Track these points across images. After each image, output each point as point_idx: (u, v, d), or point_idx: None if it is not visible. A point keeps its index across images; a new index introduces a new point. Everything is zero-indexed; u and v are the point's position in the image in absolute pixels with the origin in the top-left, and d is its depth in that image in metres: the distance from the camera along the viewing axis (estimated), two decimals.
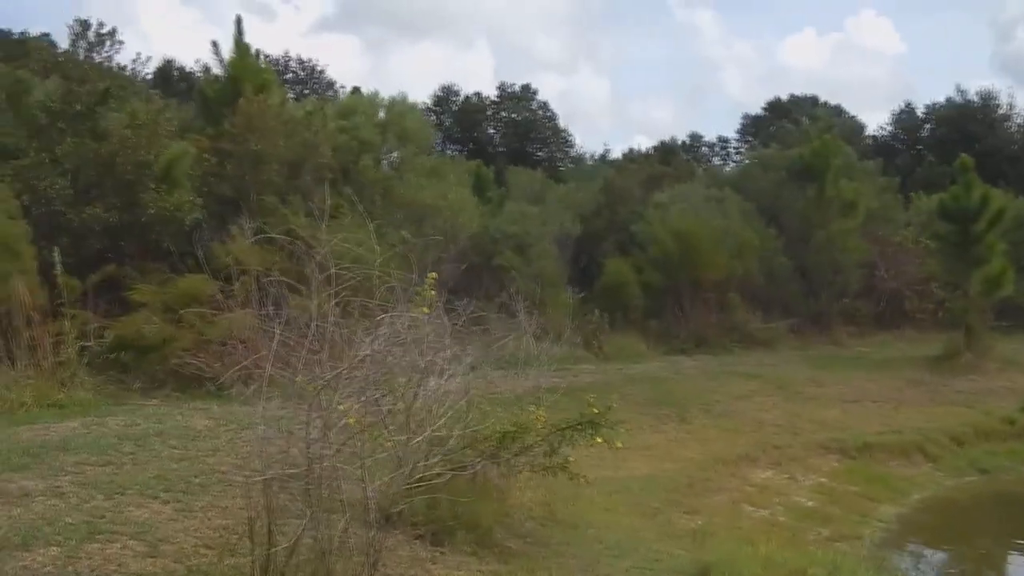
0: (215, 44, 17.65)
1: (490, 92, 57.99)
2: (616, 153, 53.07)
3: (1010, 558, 11.89)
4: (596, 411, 7.93)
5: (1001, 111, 52.71)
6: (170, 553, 6.39)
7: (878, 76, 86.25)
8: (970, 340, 21.91)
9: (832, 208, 25.61)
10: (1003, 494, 14.68)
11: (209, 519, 7.19)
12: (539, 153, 53.38)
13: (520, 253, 21.53)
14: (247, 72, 17.23)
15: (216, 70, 18.36)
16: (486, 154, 43.71)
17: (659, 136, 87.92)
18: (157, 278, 14.07)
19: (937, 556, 11.55)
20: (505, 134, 55.13)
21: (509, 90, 56.68)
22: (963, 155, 23.51)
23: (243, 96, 16.39)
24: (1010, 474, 15.66)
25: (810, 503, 12.85)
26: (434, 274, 6.11)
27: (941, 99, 55.42)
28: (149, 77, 32.87)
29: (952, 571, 11.13)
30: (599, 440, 8.08)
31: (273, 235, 8.17)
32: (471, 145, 51.63)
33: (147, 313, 13.24)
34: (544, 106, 56.13)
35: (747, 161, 42.04)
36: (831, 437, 15.59)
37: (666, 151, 41.51)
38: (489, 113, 56.30)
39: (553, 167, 47.54)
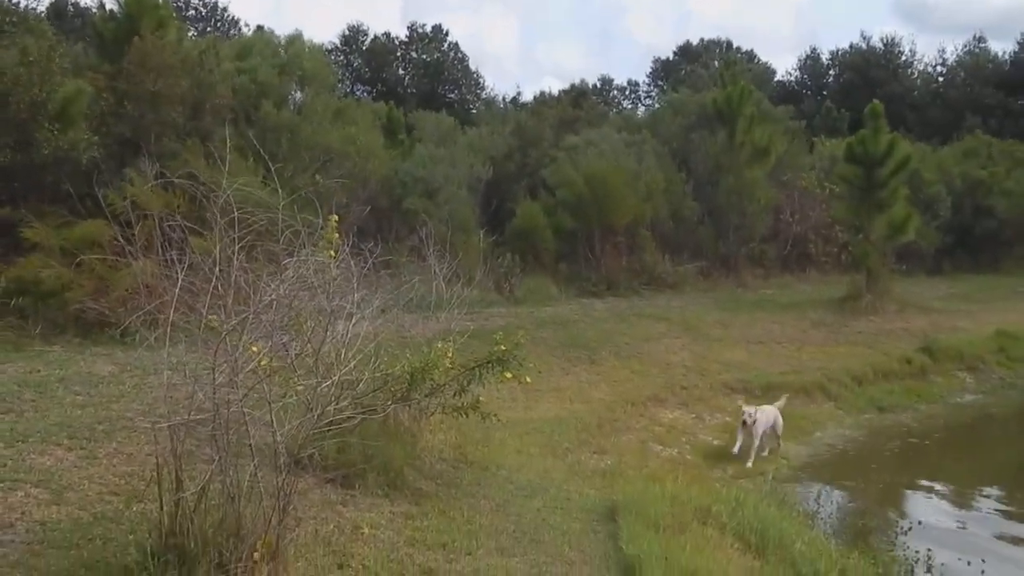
0: None
1: (399, 32, 57.26)
2: (527, 96, 52.99)
3: (906, 493, 12.40)
4: (504, 348, 8.02)
5: (904, 58, 53.95)
6: (75, 500, 6.33)
7: (785, 21, 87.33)
8: (871, 283, 22.54)
9: (743, 153, 25.95)
10: (900, 431, 15.25)
11: (114, 466, 7.13)
12: (450, 95, 53.05)
13: (430, 197, 21.42)
14: (143, 8, 16.69)
15: (111, 6, 17.77)
16: (396, 96, 43.24)
17: (569, 79, 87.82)
18: (55, 220, 13.68)
19: (837, 491, 11.99)
20: (415, 76, 54.57)
21: (419, 30, 55.98)
22: (874, 101, 23.95)
23: (139, 34, 15.90)
24: (907, 412, 16.29)
25: (716, 442, 13.22)
26: (336, 216, 6.07)
27: (846, 45, 56.54)
28: (42, 13, 31.65)
29: (851, 505, 11.56)
30: (508, 376, 8.19)
31: (174, 179, 8.00)
32: (380, 87, 50.99)
33: (44, 257, 12.88)
34: (455, 47, 55.77)
35: (658, 105, 42.32)
36: (736, 377, 16.01)
37: (577, 94, 41.50)
38: (399, 54, 55.62)
39: (465, 110, 47.32)
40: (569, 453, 10.96)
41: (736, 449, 12.41)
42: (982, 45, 53.89)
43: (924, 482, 12.62)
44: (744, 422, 12.26)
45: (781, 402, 13.57)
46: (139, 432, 7.72)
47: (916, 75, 54.03)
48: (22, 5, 24.23)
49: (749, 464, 12.26)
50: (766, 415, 12.71)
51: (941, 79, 53.29)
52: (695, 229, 25.78)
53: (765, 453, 12.88)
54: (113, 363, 10.63)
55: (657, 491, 8.85)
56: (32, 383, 9.34)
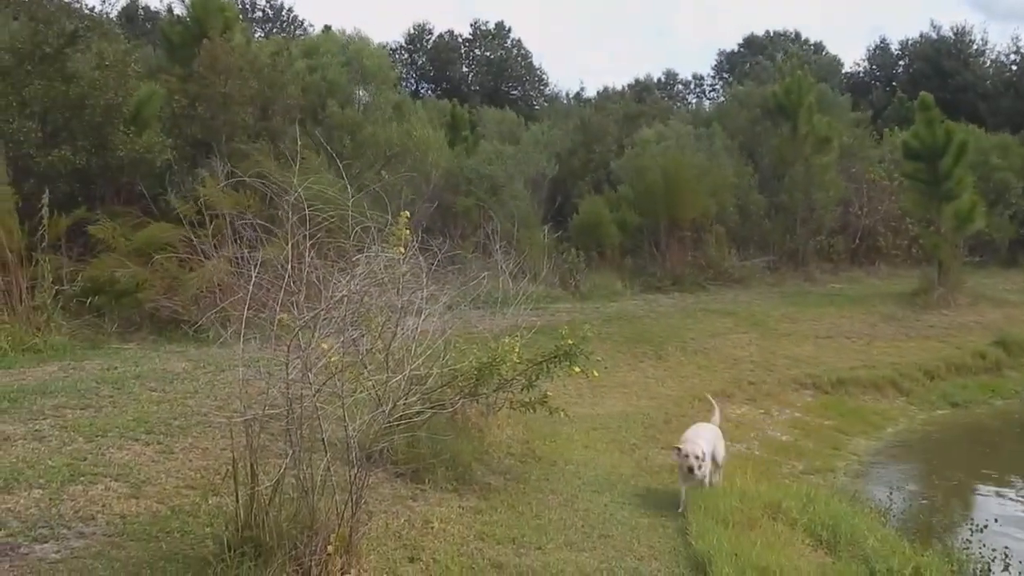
0: None
1: (463, 30, 57.48)
2: (591, 92, 52.85)
3: (979, 488, 12.13)
4: (570, 343, 8.01)
5: (975, 47, 52.71)
6: (153, 494, 6.46)
7: (854, 12, 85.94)
8: (942, 275, 22.08)
9: (806, 144, 25.61)
10: (974, 427, 14.91)
11: (190, 460, 7.26)
12: (514, 92, 53.13)
13: (495, 193, 21.49)
14: (209, 12, 17.00)
15: (179, 10, 18.13)
16: (460, 93, 43.42)
17: (633, 74, 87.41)
18: (129, 221, 14.01)
19: (909, 487, 11.77)
20: (479, 73, 54.73)
21: (482, 27, 56.14)
22: (923, 93, 23.45)
23: (207, 37, 16.20)
24: (981, 407, 15.92)
25: (784, 437, 13.05)
26: (407, 213, 6.11)
27: (915, 35, 55.44)
28: (115, 18, 32.33)
29: (923, 501, 11.34)
30: (576, 370, 8.17)
31: (245, 178, 8.12)
32: (445, 84, 51.24)
33: (118, 257, 13.19)
34: (518, 44, 55.83)
35: (723, 99, 41.92)
36: (805, 372, 15.78)
37: (641, 89, 41.35)
38: (462, 52, 55.85)
39: (528, 106, 47.38)
40: (636, 449, 10.90)
41: (681, 505, 8.22)
42: None
43: (999, 478, 12.33)
44: (682, 453, 8.26)
45: (716, 417, 9.79)
46: (214, 427, 7.86)
47: (988, 64, 52.71)
48: (96, 10, 24.88)
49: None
50: (705, 438, 8.70)
51: (1015, 67, 51.93)
52: (762, 223, 25.48)
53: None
54: (187, 360, 10.82)
55: (726, 486, 8.77)
56: (109, 379, 9.55)
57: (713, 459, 8.71)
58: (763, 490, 8.86)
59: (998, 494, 11.75)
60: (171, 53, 17.66)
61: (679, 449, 8.30)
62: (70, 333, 11.98)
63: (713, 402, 10.43)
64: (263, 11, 50.65)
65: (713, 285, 22.87)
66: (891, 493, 10.97)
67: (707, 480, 8.53)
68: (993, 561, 8.67)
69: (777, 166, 26.14)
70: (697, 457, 8.13)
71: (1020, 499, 11.50)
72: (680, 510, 8.10)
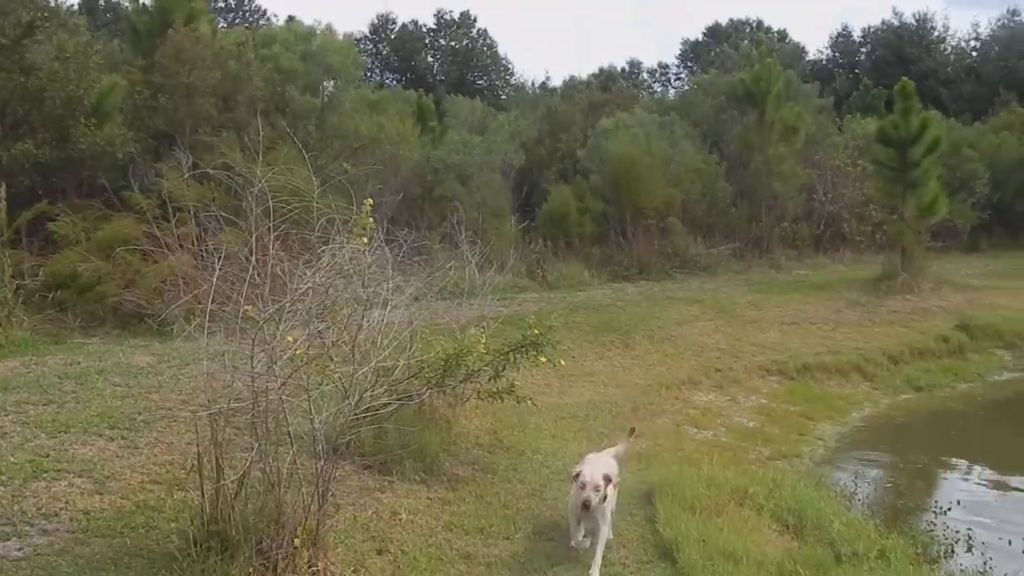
0: None
1: (428, 20, 57.28)
2: (556, 81, 52.85)
3: (943, 472, 12.29)
4: (537, 332, 8.02)
5: (936, 33, 53.20)
6: (117, 490, 6.42)
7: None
8: (906, 261, 22.25)
9: (773, 132, 25.76)
10: (937, 410, 15.07)
11: (155, 455, 7.21)
12: (479, 81, 52.99)
13: (463, 183, 21.44)
14: (175, 1, 16.81)
15: (144, 0, 17.90)
16: (426, 83, 43.28)
17: (599, 63, 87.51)
18: (91, 215, 13.85)
19: (874, 471, 11.90)
20: (444, 63, 54.60)
21: (447, 17, 55.99)
22: (903, 79, 23.54)
23: (171, 27, 16.02)
24: (944, 391, 16.08)
25: (751, 424, 13.14)
26: (371, 200, 6.08)
27: (877, 22, 55.82)
28: (75, 8, 31.94)
29: (888, 484, 11.47)
30: (543, 360, 8.20)
31: (208, 169, 8.06)
32: (410, 75, 51.02)
33: (80, 251, 13.05)
34: (483, 33, 55.74)
35: (687, 87, 42.04)
36: (771, 359, 15.88)
37: (606, 78, 41.34)
38: (427, 42, 55.67)
39: (494, 96, 47.29)
40: (605, 437, 10.91)
41: (577, 539, 6.75)
42: (1016, 19, 52.99)
43: (962, 461, 12.48)
44: (579, 480, 6.58)
45: (619, 448, 7.92)
46: (179, 421, 7.82)
47: (949, 51, 53.22)
48: (55, 1, 24.54)
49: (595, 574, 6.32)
50: (608, 468, 6.90)
51: (975, 54, 52.45)
52: (727, 211, 25.58)
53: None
54: (151, 354, 10.74)
55: (693, 473, 8.80)
56: (72, 375, 9.46)
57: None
58: (730, 476, 8.91)
59: (962, 478, 11.91)
60: (135, 43, 17.47)
61: (577, 475, 6.64)
62: (32, 328, 11.83)
63: (622, 444, 8.10)
64: (225, 1, 50.18)
65: (680, 273, 22.94)
66: (856, 477, 11.10)
67: (604, 527, 6.58)
68: (957, 543, 8.81)
69: (743, 153, 26.24)
70: (597, 489, 6.42)
71: (983, 482, 11.67)
72: (572, 544, 6.69)
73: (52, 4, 16.00)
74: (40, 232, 13.56)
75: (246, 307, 5.21)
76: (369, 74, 44.51)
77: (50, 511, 5.93)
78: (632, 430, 8.66)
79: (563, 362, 8.67)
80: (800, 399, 14.38)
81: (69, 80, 13.99)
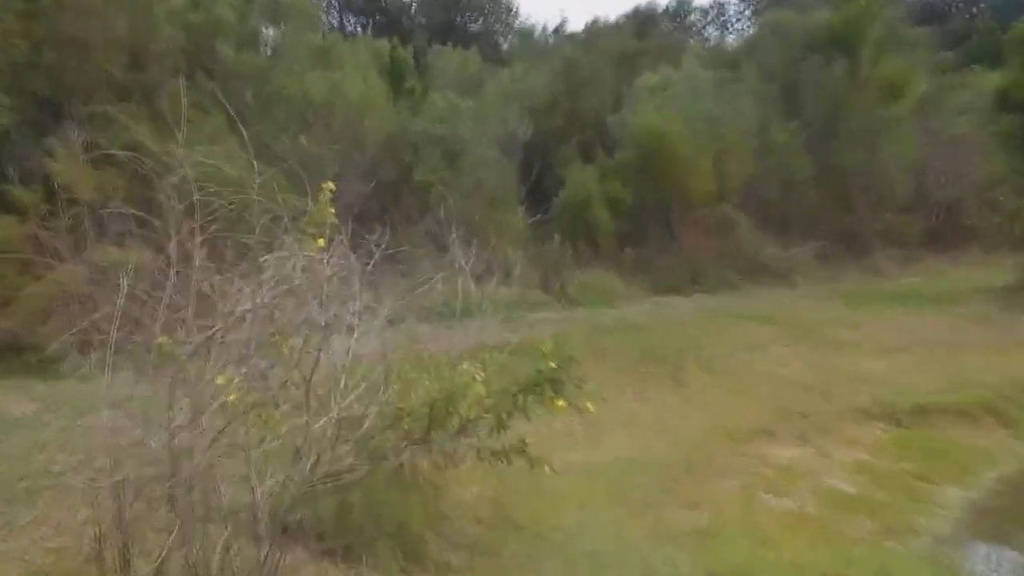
0: None
1: None
2: (576, 25, 52.92)
3: None
4: (553, 366, 7.95)
5: None
6: None
7: None
8: None
9: (869, 91, 25.71)
10: None
11: (40, 539, 7.16)
12: (472, 25, 52.99)
13: (451, 163, 21.44)
14: None
15: None
16: (401, 29, 43.27)
17: (633, 1, 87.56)
18: None
19: (1015, 553, 11.84)
20: (425, 2, 54.64)
21: None
22: (1017, 23, 23.47)
23: None
24: None
25: (848, 488, 13.09)
26: (331, 185, 6.03)
27: None
28: None
29: None
30: (561, 404, 8.12)
31: (111, 150, 8.05)
32: (379, 17, 51.04)
33: None
34: None
35: (753, 31, 42.03)
36: (873, 398, 15.82)
37: (643, 20, 41.38)
38: None
39: (492, 45, 47.27)
40: (649, 507, 10.90)
41: None
42: None
43: None
44: None
45: None
46: (71, 493, 7.77)
47: None
48: None
49: None
50: None
51: None
52: (808, 196, 25.53)
53: None
54: (32, 400, 10.69)
55: (771, 557, 8.78)
56: None
57: None
58: (821, 560, 8.88)
59: None
60: None
61: None
62: None
63: None
64: None
65: (746, 282, 22.93)
66: (992, 562, 11.04)
67: None
68: None
69: (828, 119, 26.18)
70: None
71: None
72: None
73: None
74: None
75: (162, 338, 5.17)
76: (325, 17, 44.57)
77: None
78: None
79: (591, 406, 8.60)
80: (914, 453, 14.31)
81: None
